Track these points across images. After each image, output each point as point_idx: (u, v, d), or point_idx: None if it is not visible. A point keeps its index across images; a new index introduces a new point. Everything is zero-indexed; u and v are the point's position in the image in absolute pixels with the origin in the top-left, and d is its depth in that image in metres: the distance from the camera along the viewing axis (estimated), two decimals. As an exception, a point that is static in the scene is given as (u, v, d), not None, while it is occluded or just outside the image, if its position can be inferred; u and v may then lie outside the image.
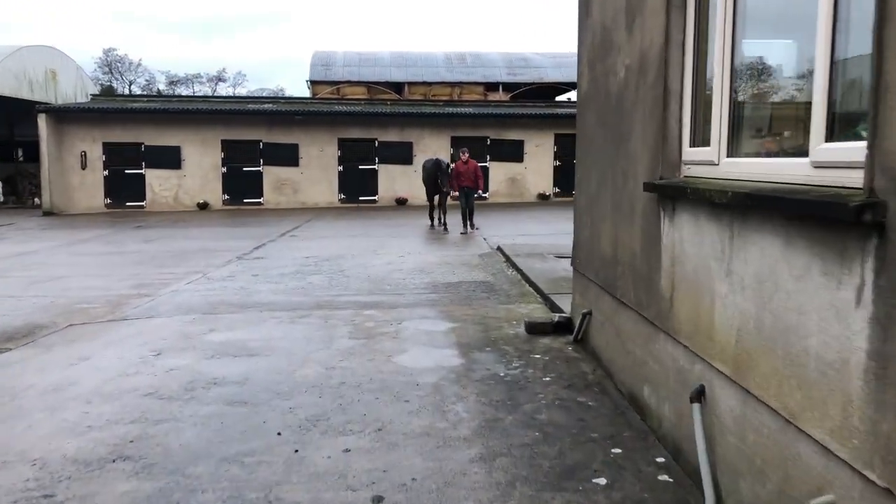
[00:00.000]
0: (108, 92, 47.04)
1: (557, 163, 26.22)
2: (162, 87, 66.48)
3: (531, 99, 31.20)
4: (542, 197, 25.89)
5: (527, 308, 7.71)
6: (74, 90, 32.98)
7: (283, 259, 12.37)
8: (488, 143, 25.92)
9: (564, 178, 26.14)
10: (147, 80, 69.09)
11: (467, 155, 16.54)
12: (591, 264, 5.68)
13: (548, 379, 5.16)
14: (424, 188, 17.82)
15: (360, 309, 7.85)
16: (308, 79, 34.53)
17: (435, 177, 16.71)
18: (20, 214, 24.06)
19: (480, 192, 17.15)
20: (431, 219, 17.67)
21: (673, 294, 3.81)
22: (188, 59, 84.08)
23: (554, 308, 7.41)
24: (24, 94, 29.10)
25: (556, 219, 19.12)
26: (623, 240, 4.76)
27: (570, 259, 10.87)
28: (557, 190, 26.20)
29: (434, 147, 25.75)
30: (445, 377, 5.23)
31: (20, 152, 29.89)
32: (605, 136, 5.29)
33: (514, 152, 26.00)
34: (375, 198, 25.44)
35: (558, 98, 35.29)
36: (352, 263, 11.60)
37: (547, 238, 14.44)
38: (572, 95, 35.68)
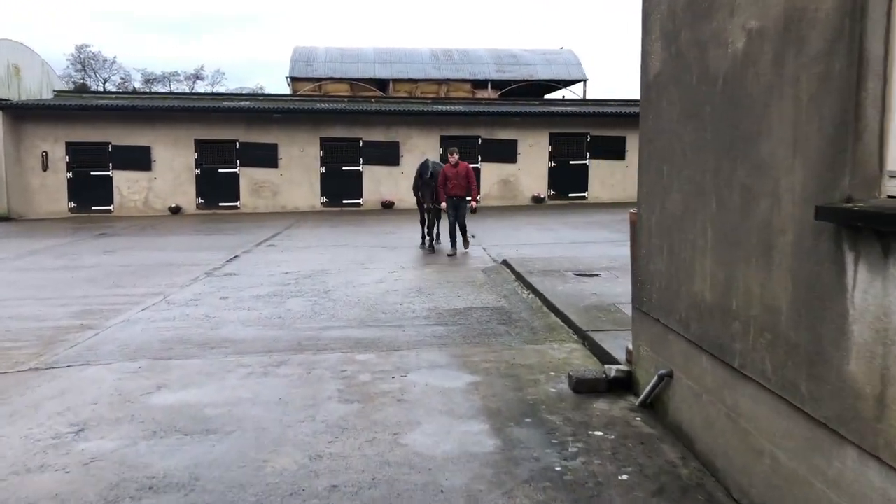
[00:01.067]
0: (80, 90, 44.94)
1: (552, 163, 24.79)
2: (138, 85, 64.28)
3: (521, 97, 29.75)
4: (537, 200, 24.44)
5: (562, 350, 6.19)
6: (40, 87, 30.94)
7: (259, 276, 10.78)
8: (480, 142, 24.43)
9: (560, 179, 24.74)
10: (122, 78, 66.85)
11: (457, 156, 12.89)
12: (674, 308, 4.16)
13: (625, 477, 3.65)
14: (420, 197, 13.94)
15: (351, 350, 6.29)
16: (288, 75, 32.81)
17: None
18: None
19: (475, 202, 13.19)
20: (423, 237, 14.09)
21: (885, 393, 2.31)
22: (166, 59, 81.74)
23: (596, 351, 5.90)
24: (-16, 90, 27.22)
25: (556, 224, 17.68)
26: (747, 285, 3.25)
27: (593, 277, 9.46)
28: (552, 192, 24.77)
29: (422, 147, 24.22)
30: (479, 474, 3.69)
31: (-22, 153, 27.91)
32: (701, 134, 3.78)
33: (507, 152, 24.52)
34: (360, 201, 23.84)
35: (548, 96, 33.93)
36: (338, 282, 10.02)
37: (554, 249, 12.96)
38: (564, 93, 34.36)
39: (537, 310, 7.90)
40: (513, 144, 24.53)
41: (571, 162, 24.84)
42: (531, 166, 24.61)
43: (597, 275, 9.54)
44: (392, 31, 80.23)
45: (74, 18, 74.98)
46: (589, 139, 24.85)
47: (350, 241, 14.75)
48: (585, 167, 24.96)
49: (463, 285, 9.62)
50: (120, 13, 77.15)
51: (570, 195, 24.74)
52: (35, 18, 72.11)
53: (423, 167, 13.49)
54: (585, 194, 24.91)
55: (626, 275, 7.96)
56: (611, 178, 24.95)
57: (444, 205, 12.72)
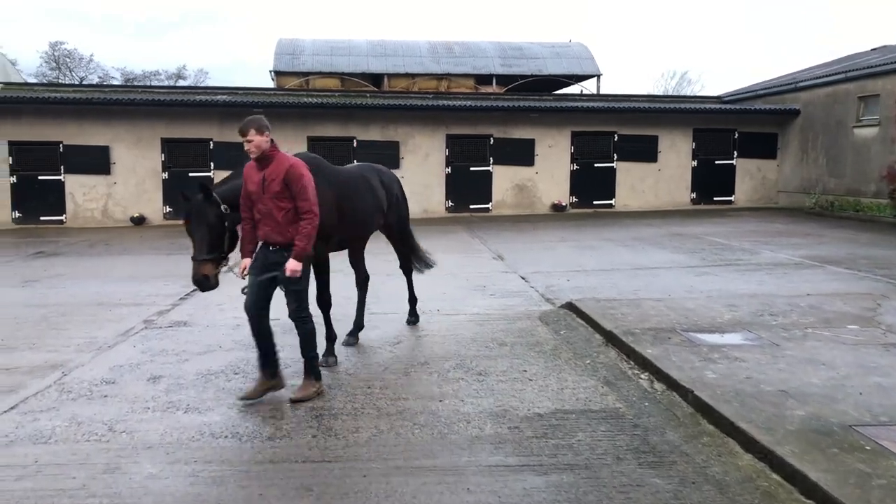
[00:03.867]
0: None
1: (575, 166, 21.60)
2: (117, 84, 60.58)
3: (528, 93, 26.57)
4: (557, 208, 21.24)
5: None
6: (-6, 80, 27.54)
7: (218, 326, 7.51)
8: (491, 142, 21.20)
9: (583, 184, 21.56)
10: (100, 78, 63.04)
11: (256, 139, 4.94)
12: None
13: None
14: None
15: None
16: (272, 69, 29.49)
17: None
18: None
19: (293, 266, 4.99)
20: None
21: None
22: (146, 58, 77.85)
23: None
24: (-74, 83, 23.71)
25: (595, 240, 14.45)
26: None
27: (734, 344, 5.89)
28: (574, 199, 21.57)
29: (426, 147, 21.00)
30: None
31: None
32: None
33: (522, 154, 21.30)
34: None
35: (557, 92, 30.86)
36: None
37: (617, 279, 9.76)
38: (574, 89, 31.25)
39: (686, 420, 4.63)
40: (529, 145, 21.32)
41: (596, 165, 21.66)
42: (550, 170, 21.41)
43: (733, 336, 6.34)
44: (387, 24, 76.36)
45: (47, 16, 71.01)
46: (616, 139, 21.70)
47: (343, 266, 11.46)
48: (612, 171, 21.78)
49: (525, 352, 6.37)
50: (95, 12, 73.29)
51: (594, 203, 21.56)
52: (4, 18, 68.14)
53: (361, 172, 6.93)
54: (612, 202, 21.73)
55: (782, 338, 5.53)
56: (641, 184, 21.80)
57: (244, 265, 5.17)
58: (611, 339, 6.39)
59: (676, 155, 21.98)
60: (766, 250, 12.50)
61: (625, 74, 67.52)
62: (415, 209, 20.53)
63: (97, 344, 6.92)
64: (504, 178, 21.25)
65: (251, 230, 5.20)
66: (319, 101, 21.40)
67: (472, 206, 20.96)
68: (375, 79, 29.52)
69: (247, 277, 5.16)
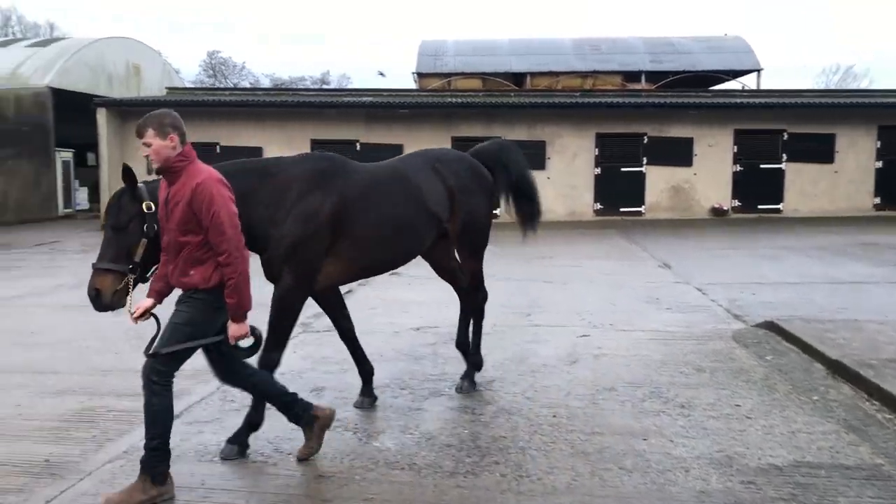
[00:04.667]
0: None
1: (737, 167, 19.87)
2: (268, 87, 63.85)
3: (682, 89, 24.86)
4: (718, 212, 19.60)
5: None
6: (160, 86, 29.40)
7: (373, 335, 7.04)
8: (645, 141, 19.91)
9: (747, 187, 19.78)
10: (251, 84, 66.76)
11: (160, 139, 3.56)
12: None
13: None
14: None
15: None
16: (415, 71, 29.56)
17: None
18: (86, 225, 20.13)
19: (238, 331, 3.67)
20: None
21: None
22: (294, 65, 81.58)
23: None
24: (102, 90, 25.52)
25: (773, 249, 12.96)
26: None
27: None
28: (737, 203, 19.83)
29: (574, 147, 20.04)
30: None
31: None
32: None
33: (679, 154, 19.83)
34: (497, 212, 19.90)
35: (714, 88, 28.80)
36: (508, 354, 6.11)
37: (814, 294, 8.49)
38: (731, 85, 29.06)
39: None
40: (687, 144, 19.83)
41: (762, 165, 19.81)
42: (710, 170, 19.80)
43: None
44: (528, 23, 75.34)
45: (204, 28, 76.06)
46: (785, 137, 19.75)
47: (495, 270, 10.81)
48: (780, 172, 19.85)
49: (730, 380, 5.41)
50: (249, 23, 77.70)
51: (759, 207, 19.72)
52: (170, 32, 73.68)
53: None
54: (780, 206, 19.80)
55: None
56: (813, 187, 19.71)
57: (139, 307, 3.72)
58: (839, 370, 5.29)
59: (856, 155, 19.69)
60: None
61: (781, 71, 62.59)
62: (560, 211, 19.90)
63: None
64: (659, 180, 19.89)
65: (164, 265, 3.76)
66: (463, 100, 21.01)
67: (622, 209, 19.76)
68: (517, 78, 28.86)
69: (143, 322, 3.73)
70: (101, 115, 19.90)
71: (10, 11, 55.70)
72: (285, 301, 4.29)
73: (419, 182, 4.88)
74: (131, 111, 20.54)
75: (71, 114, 22.42)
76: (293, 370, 5.93)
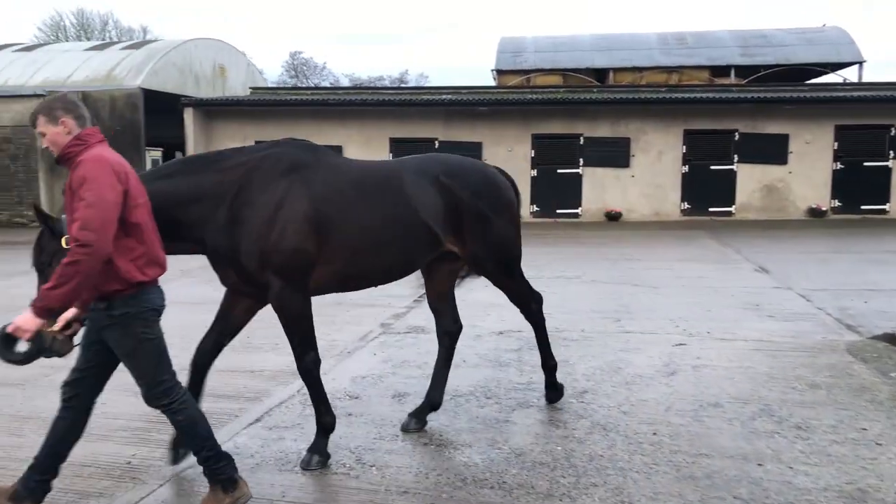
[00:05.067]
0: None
1: (838, 165, 18.66)
2: (349, 86, 64.86)
3: (775, 83, 23.59)
4: (815, 213, 18.47)
5: None
6: (245, 87, 30.15)
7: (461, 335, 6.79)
8: (736, 138, 18.96)
9: (848, 186, 18.54)
10: (331, 83, 67.98)
11: (51, 125, 3.18)
12: None
13: None
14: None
15: None
16: (494, 68, 29.19)
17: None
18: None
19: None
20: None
21: None
22: (372, 65, 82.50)
23: None
24: (190, 90, 26.30)
25: (879, 252, 12.05)
26: None
27: None
28: (837, 203, 18.63)
29: (659, 145, 19.29)
30: None
31: (194, 156, 27.25)
32: None
33: (773, 151, 18.78)
34: (578, 211, 19.38)
35: (811, 81, 27.24)
36: (597, 363, 5.75)
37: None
38: (829, 78, 27.41)
39: None
40: (782, 141, 18.76)
41: (865, 164, 18.54)
42: (807, 169, 18.67)
43: None
44: (611, 18, 73.49)
45: (286, 29, 77.79)
46: (893, 133, 18.42)
47: (580, 272, 10.41)
48: (886, 170, 18.54)
49: (852, 399, 4.89)
50: (329, 24, 79.06)
51: (862, 207, 18.46)
52: (254, 33, 75.75)
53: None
54: (886, 207, 18.49)
55: None
56: (924, 186, 18.34)
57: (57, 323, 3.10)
58: None
59: (972, 151, 18.19)
60: None
61: (886, 63, 58.81)
62: (645, 211, 19.19)
63: (337, 349, 6.50)
64: (750, 178, 18.90)
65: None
66: (544, 97, 20.54)
67: (711, 209, 18.88)
68: (599, 74, 28.10)
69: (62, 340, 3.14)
70: (188, 115, 20.46)
71: (107, 16, 58.60)
72: (286, 303, 3.93)
73: (410, 189, 4.18)
74: (217, 111, 21.07)
75: (159, 113, 23.20)
76: (373, 373, 5.74)
